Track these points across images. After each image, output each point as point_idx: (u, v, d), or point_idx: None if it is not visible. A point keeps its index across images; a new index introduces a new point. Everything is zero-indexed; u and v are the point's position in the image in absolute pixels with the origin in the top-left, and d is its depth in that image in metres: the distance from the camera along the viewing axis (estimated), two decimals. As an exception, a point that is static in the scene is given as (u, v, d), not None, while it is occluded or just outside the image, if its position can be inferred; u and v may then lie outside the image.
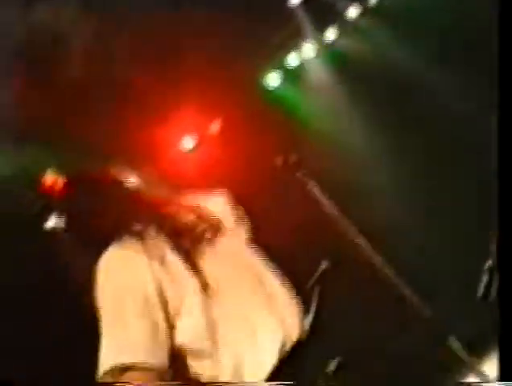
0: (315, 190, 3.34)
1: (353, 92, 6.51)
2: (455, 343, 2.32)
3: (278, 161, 2.89)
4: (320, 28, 6.86)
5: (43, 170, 5.60)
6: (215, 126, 6.25)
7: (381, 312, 4.62)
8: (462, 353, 2.41)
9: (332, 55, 6.88)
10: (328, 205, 2.91)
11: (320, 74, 6.86)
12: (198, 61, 5.59)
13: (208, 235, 2.37)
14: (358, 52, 6.78)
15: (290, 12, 6.65)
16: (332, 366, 2.34)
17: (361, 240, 3.12)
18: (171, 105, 5.63)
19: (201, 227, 2.38)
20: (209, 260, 2.32)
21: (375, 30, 6.74)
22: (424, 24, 6.35)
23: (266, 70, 6.72)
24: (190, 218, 2.40)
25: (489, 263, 1.89)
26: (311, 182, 3.40)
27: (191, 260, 2.23)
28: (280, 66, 6.79)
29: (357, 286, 4.67)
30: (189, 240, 2.30)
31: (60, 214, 5.63)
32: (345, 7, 6.89)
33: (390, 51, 6.54)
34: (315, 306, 3.36)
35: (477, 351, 2.63)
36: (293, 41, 6.80)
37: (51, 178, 5.66)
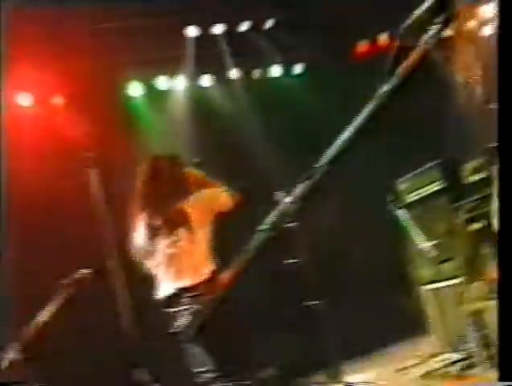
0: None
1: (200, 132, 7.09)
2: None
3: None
4: (203, 67, 7.32)
5: None
6: (58, 99, 6.53)
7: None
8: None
9: (196, 94, 7.42)
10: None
11: (177, 105, 7.33)
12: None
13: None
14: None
15: (184, 42, 7.07)
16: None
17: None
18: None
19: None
20: None
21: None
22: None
23: (133, 80, 7.02)
24: None
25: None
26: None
27: None
28: (147, 82, 7.12)
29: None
30: None
31: None
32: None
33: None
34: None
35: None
36: (175, 67, 7.18)
37: None
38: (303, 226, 4.45)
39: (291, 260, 5.92)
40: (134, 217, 4.26)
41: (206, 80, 7.52)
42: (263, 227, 1.52)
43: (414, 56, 1.61)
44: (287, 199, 1.53)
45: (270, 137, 7.25)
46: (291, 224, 1.41)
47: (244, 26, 7.30)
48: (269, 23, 7.34)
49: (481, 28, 1.99)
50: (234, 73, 7.56)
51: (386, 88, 1.61)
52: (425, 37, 1.65)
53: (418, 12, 1.66)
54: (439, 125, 6.43)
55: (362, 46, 7.46)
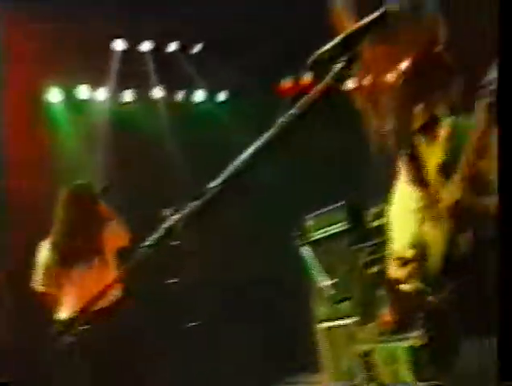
0: None
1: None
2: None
3: None
4: (126, 82, 7.29)
5: None
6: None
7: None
8: None
9: (116, 108, 7.35)
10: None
11: (95, 116, 7.26)
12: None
13: None
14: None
15: (110, 54, 7.05)
16: None
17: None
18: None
19: None
20: None
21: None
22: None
23: (53, 86, 6.94)
24: None
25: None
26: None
27: None
28: (68, 90, 7.05)
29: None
30: None
31: None
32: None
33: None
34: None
35: None
36: (98, 78, 7.12)
37: None
38: (190, 246, 4.50)
39: (173, 280, 5.91)
40: (49, 240, 4.43)
41: (128, 96, 7.46)
42: (146, 244, 1.51)
43: (315, 91, 1.65)
44: (174, 217, 1.53)
45: (184, 159, 7.25)
46: (176, 243, 1.41)
47: (172, 47, 7.31)
48: (197, 47, 7.38)
49: (393, 81, 2.06)
50: (157, 92, 7.54)
51: (284, 118, 1.64)
52: (329, 74, 1.69)
53: (324, 49, 1.70)
54: (348, 167, 6.59)
55: (286, 83, 7.59)
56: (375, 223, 5.06)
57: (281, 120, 1.66)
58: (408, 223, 2.05)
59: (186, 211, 1.54)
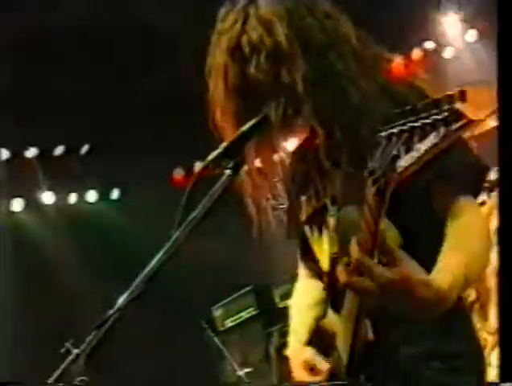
0: None
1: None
2: None
3: None
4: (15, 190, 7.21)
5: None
6: None
7: None
8: None
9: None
10: None
11: None
12: None
13: None
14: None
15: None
16: None
17: None
18: None
19: None
20: None
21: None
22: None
23: None
24: None
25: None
26: None
27: None
28: None
29: None
30: None
31: None
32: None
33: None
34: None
35: None
36: None
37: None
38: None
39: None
40: None
41: (17, 205, 7.22)
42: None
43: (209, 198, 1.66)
44: (75, 351, 1.44)
45: (84, 263, 7.03)
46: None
47: (59, 150, 7.22)
48: (85, 148, 7.32)
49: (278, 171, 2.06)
50: (48, 198, 7.36)
51: (190, 217, 1.62)
52: (220, 180, 1.71)
53: (209, 158, 1.72)
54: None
55: (178, 174, 7.60)
56: (284, 304, 5.05)
57: (187, 221, 1.62)
58: (306, 318, 2.05)
59: (88, 342, 1.46)
